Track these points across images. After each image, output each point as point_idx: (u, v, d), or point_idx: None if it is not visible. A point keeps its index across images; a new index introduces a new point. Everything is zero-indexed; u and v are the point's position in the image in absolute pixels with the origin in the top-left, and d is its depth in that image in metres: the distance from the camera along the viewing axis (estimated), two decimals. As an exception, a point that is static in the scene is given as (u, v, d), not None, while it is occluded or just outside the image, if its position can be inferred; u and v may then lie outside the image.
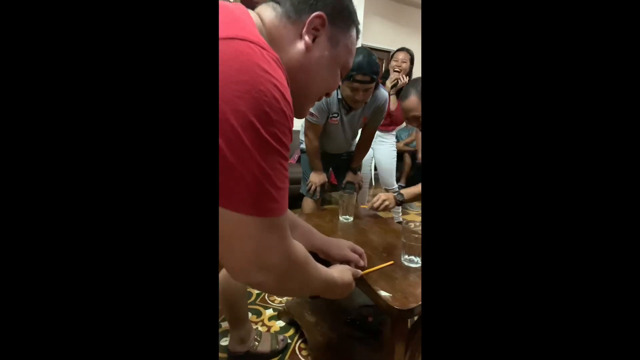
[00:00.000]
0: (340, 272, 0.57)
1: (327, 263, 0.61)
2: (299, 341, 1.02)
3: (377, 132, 2.01)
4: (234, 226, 0.33)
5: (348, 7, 0.45)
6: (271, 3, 0.43)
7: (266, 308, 1.18)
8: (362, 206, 1.09)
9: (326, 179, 1.47)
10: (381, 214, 1.13)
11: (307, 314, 1.04)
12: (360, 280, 0.64)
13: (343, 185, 1.57)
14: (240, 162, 0.30)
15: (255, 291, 1.29)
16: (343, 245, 0.65)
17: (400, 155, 2.21)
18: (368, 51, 1.16)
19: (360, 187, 1.65)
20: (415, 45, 4.37)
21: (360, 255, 0.66)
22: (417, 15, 4.03)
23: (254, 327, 1.07)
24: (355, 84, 1.16)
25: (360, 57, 1.12)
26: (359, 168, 1.68)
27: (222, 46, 0.30)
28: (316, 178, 1.44)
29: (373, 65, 1.14)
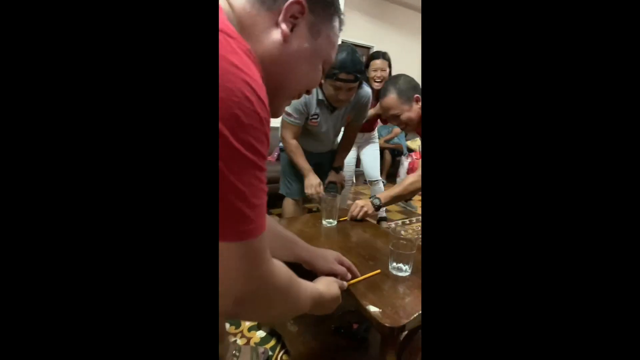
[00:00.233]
0: (326, 286, 0.53)
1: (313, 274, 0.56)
2: (281, 352, 0.97)
3: (362, 134, 1.99)
4: None
5: None
6: None
7: (246, 317, 1.12)
8: (341, 219, 1.04)
9: (319, 180, 1.32)
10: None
11: (289, 323, 0.99)
12: (346, 292, 0.59)
13: (325, 185, 1.52)
14: None
15: (234, 299, 1.22)
16: (330, 258, 0.60)
17: (380, 152, 2.21)
18: (352, 48, 1.11)
19: (342, 187, 1.61)
20: (395, 42, 4.40)
21: (348, 268, 0.62)
22: (396, 11, 4.03)
23: (233, 339, 1.01)
24: (339, 83, 1.10)
25: (344, 55, 1.07)
26: (342, 167, 1.64)
27: None
28: (312, 181, 1.28)
29: (357, 64, 1.09)
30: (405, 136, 3.52)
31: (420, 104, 1.13)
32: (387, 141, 3.36)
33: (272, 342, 1.01)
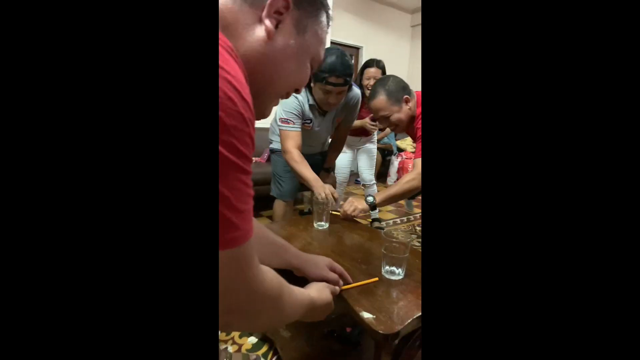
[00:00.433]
0: (318, 292, 0.51)
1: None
2: (274, 358, 0.95)
3: (360, 137, 1.98)
4: None
5: None
6: None
7: (237, 323, 1.10)
8: (333, 212, 1.03)
9: (330, 187, 1.15)
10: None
11: (281, 328, 0.97)
12: (339, 296, 0.58)
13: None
14: None
15: (225, 305, 1.20)
16: (321, 264, 0.59)
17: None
18: (341, 51, 1.09)
19: (334, 188, 1.60)
20: (383, 42, 4.43)
21: (340, 275, 0.60)
22: (385, 12, 4.05)
23: (223, 346, 0.98)
24: (329, 87, 1.09)
25: (333, 58, 1.05)
26: (332, 168, 1.63)
27: None
28: (323, 190, 1.11)
29: (347, 67, 1.07)
30: (395, 136, 3.54)
31: (409, 104, 1.13)
32: (377, 141, 3.38)
33: (265, 349, 0.99)
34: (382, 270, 0.68)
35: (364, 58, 3.89)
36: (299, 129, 1.22)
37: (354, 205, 1.05)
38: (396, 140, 3.57)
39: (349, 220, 1.04)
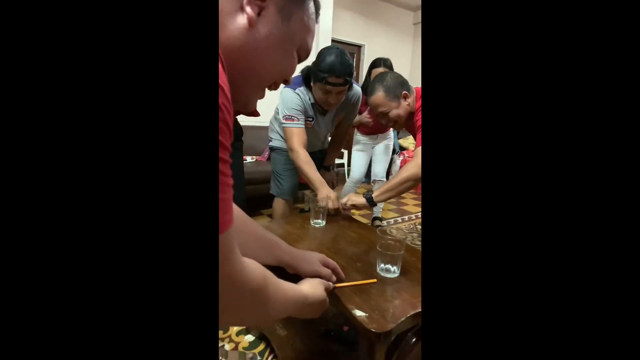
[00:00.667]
0: (312, 288, 0.50)
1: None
2: (270, 357, 0.94)
3: (377, 135, 1.95)
4: None
5: None
6: None
7: (234, 321, 1.09)
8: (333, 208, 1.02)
9: (334, 193, 1.10)
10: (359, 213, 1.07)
11: (278, 327, 0.97)
12: (333, 294, 0.57)
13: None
14: None
15: (223, 303, 1.19)
16: (313, 260, 0.58)
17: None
18: (341, 51, 1.07)
19: (333, 186, 1.59)
20: (385, 40, 4.40)
21: (333, 270, 0.59)
22: (386, 9, 4.03)
23: (221, 344, 0.98)
24: (328, 87, 1.07)
25: (332, 58, 1.04)
26: (333, 166, 1.62)
27: None
28: (328, 194, 1.06)
29: (347, 67, 1.05)
30: (398, 134, 3.52)
31: (408, 100, 1.11)
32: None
33: (261, 347, 0.99)
34: (377, 268, 0.67)
35: (366, 56, 3.87)
36: (303, 126, 1.20)
37: (351, 198, 1.03)
38: (398, 139, 3.55)
39: (347, 218, 1.03)
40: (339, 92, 1.12)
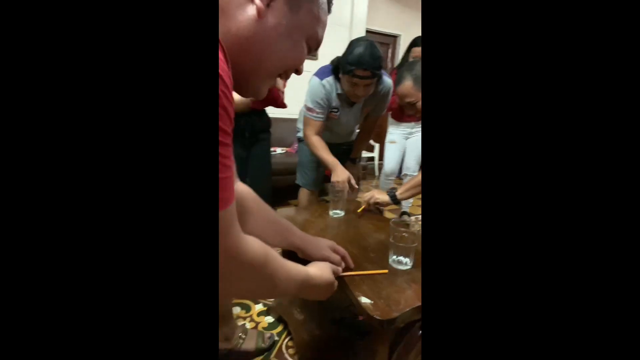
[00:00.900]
0: (319, 269, 0.52)
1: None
2: (287, 339, 0.99)
3: (413, 124, 1.90)
4: None
5: None
6: None
7: (256, 303, 1.15)
8: (358, 210, 1.02)
9: (348, 173, 1.17)
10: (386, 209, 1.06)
11: (295, 311, 1.01)
12: (341, 282, 0.59)
13: (340, 176, 1.50)
14: None
15: (246, 285, 1.26)
16: (323, 245, 0.60)
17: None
18: (370, 43, 1.06)
19: (359, 179, 1.58)
20: (420, 29, 4.19)
21: (343, 257, 0.61)
22: (426, -3, 3.84)
23: (243, 322, 1.04)
24: (355, 79, 1.07)
25: (360, 50, 1.03)
26: (359, 159, 1.61)
27: None
28: (340, 176, 1.12)
29: (375, 59, 1.04)
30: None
31: None
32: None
33: (279, 328, 1.03)
34: (390, 259, 0.67)
35: (402, 47, 3.74)
36: (322, 119, 1.22)
37: (374, 195, 1.03)
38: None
39: (372, 211, 1.02)
40: (367, 85, 1.11)
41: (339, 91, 1.20)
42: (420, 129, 1.91)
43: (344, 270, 0.60)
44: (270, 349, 0.94)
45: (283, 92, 1.30)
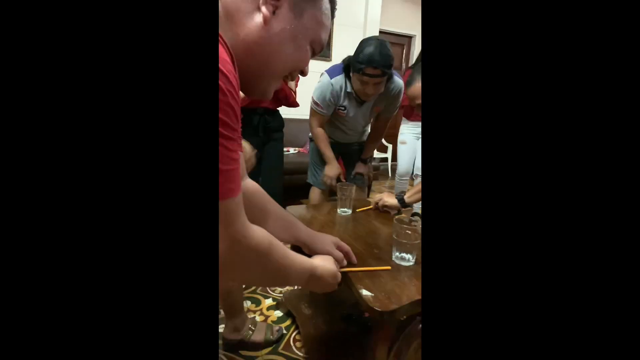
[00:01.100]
0: (322, 261, 0.54)
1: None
2: (295, 332, 1.02)
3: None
4: None
5: None
6: None
7: (266, 297, 1.19)
8: (363, 209, 1.04)
9: (340, 171, 1.36)
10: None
11: (303, 306, 1.03)
12: (344, 277, 0.61)
13: (352, 176, 1.52)
14: None
15: (257, 280, 1.30)
16: (327, 241, 0.62)
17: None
18: (380, 42, 1.07)
19: (370, 179, 1.59)
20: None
21: (346, 253, 0.63)
22: (442, -4, 3.79)
23: (252, 315, 1.08)
24: (365, 78, 1.09)
25: (371, 49, 1.05)
26: (370, 159, 1.62)
27: None
28: (330, 171, 1.33)
29: (385, 58, 1.05)
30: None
31: None
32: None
33: (288, 322, 1.06)
34: (393, 256, 0.68)
35: (416, 47, 3.72)
36: (326, 114, 1.28)
37: (383, 199, 1.04)
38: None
39: (380, 211, 1.04)
40: (376, 83, 1.12)
41: (349, 89, 1.23)
42: None
43: (348, 266, 0.63)
44: (278, 341, 0.97)
45: (295, 92, 1.34)
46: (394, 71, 1.25)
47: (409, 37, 3.77)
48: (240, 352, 0.92)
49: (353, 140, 1.51)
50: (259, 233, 0.39)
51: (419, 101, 1.09)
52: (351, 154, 1.55)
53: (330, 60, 2.73)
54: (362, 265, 0.64)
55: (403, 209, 1.04)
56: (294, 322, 1.05)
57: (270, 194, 0.63)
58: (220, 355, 0.91)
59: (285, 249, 0.44)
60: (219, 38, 0.32)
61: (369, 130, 1.54)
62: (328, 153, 1.33)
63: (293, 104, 1.31)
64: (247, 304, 1.14)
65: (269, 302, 1.16)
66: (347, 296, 1.04)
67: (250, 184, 0.60)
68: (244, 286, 1.22)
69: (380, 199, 1.05)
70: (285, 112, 1.43)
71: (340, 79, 1.22)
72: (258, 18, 0.38)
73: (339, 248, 0.62)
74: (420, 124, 1.91)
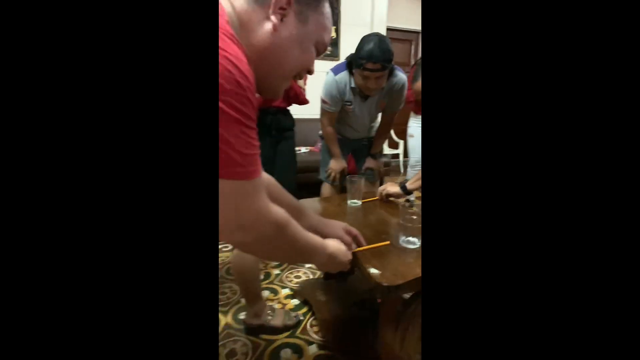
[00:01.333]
0: (332, 241, 0.59)
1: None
2: (311, 318, 1.07)
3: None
4: None
5: None
6: None
7: (283, 287, 1.25)
8: (371, 199, 1.09)
9: (345, 166, 1.47)
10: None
11: (319, 293, 1.09)
12: (353, 257, 0.66)
13: (363, 171, 1.56)
14: None
15: (274, 271, 1.37)
16: (337, 226, 0.67)
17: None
18: (380, 37, 1.12)
19: (381, 174, 1.63)
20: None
21: (355, 237, 0.67)
22: (449, -10, 3.76)
23: (271, 304, 1.14)
24: (366, 72, 1.14)
25: (370, 45, 1.10)
26: (380, 154, 1.66)
27: None
28: (336, 165, 1.45)
29: (385, 53, 1.10)
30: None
31: None
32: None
33: (304, 310, 1.12)
34: (400, 240, 0.73)
35: (424, 42, 3.71)
36: (335, 110, 1.35)
37: (386, 188, 1.09)
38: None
39: (384, 201, 1.09)
40: (378, 77, 1.17)
41: (353, 85, 1.28)
42: None
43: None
44: (295, 326, 1.03)
45: (304, 90, 1.40)
46: (396, 66, 1.30)
47: (417, 33, 3.76)
48: (261, 335, 0.99)
49: (361, 136, 1.56)
50: (278, 209, 0.44)
51: None
52: (361, 149, 1.60)
53: (338, 59, 2.78)
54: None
55: (407, 196, 1.08)
56: (310, 309, 1.11)
57: (285, 189, 0.68)
58: (243, 339, 0.98)
59: (300, 227, 0.50)
60: (234, 40, 0.38)
61: (377, 126, 1.59)
62: (335, 149, 1.43)
63: (303, 101, 1.38)
64: (266, 293, 1.21)
65: (285, 291, 1.23)
66: (359, 285, 1.09)
67: (264, 175, 0.66)
68: (262, 277, 1.29)
69: (384, 189, 1.09)
70: (295, 112, 1.49)
71: (344, 75, 1.28)
72: (268, 26, 0.44)
73: (348, 232, 0.67)
74: None
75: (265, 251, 0.48)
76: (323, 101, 1.33)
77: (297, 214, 0.67)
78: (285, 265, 1.42)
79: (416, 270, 0.61)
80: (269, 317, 1.00)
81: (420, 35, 3.77)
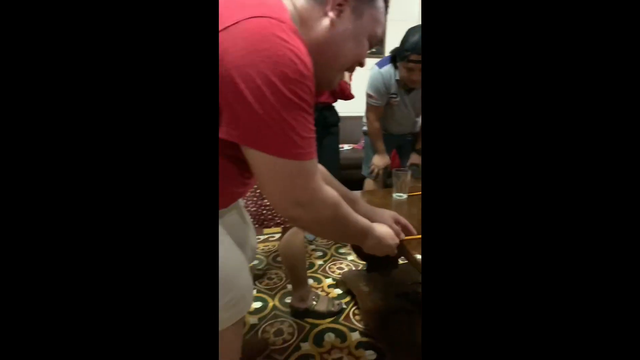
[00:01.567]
0: (380, 226, 0.61)
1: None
2: (354, 308, 1.10)
3: None
4: (267, 166, 0.41)
5: None
6: None
7: (326, 277, 1.30)
8: (416, 193, 1.08)
9: (389, 162, 1.47)
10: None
11: (361, 284, 1.12)
12: (401, 248, 0.67)
13: (407, 167, 1.55)
14: (267, 114, 0.37)
15: (318, 262, 1.42)
16: (386, 215, 0.68)
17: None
18: None
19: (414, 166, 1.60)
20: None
21: (404, 227, 0.68)
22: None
23: (314, 290, 1.20)
24: (411, 64, 1.14)
25: (415, 37, 1.10)
26: (425, 150, 1.62)
27: (249, 23, 0.38)
28: (379, 161, 1.46)
29: None
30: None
31: None
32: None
33: (347, 299, 1.15)
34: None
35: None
36: (380, 104, 1.36)
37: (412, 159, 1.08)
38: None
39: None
40: (422, 69, 1.16)
41: (397, 78, 1.28)
42: None
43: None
44: (339, 313, 1.07)
45: (350, 84, 1.43)
46: None
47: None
48: (305, 319, 1.04)
49: (406, 131, 1.54)
50: (330, 189, 0.48)
51: None
52: (405, 145, 1.59)
53: (383, 56, 2.75)
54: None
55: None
56: (352, 298, 1.14)
57: None
58: (290, 321, 1.04)
59: (349, 208, 0.52)
60: (297, 35, 0.41)
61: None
62: (379, 145, 1.44)
63: (349, 96, 1.41)
64: (310, 282, 1.26)
65: (328, 281, 1.27)
66: (402, 278, 1.09)
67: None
68: (307, 264, 1.35)
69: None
70: (340, 109, 1.53)
71: (389, 69, 1.29)
72: (325, 22, 0.48)
73: (397, 221, 0.68)
74: None
75: (318, 228, 0.52)
76: (369, 95, 1.35)
77: (349, 200, 0.70)
78: (328, 256, 1.47)
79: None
80: (314, 303, 1.05)
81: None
